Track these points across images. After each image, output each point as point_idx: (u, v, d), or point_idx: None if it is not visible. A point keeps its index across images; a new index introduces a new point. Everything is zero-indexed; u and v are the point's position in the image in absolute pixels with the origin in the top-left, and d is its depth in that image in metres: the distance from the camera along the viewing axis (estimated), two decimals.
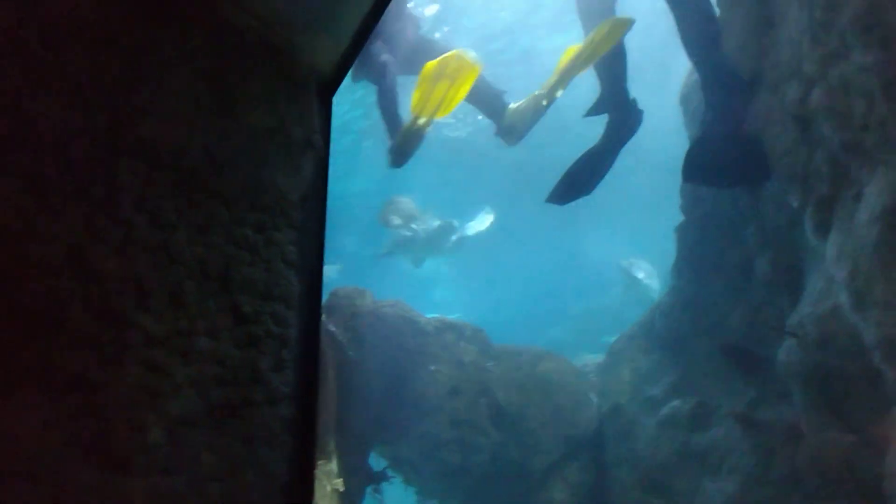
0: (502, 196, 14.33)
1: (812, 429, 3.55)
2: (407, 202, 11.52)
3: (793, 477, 3.94)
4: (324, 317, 6.12)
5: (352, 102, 10.77)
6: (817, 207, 3.29)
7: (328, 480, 4.31)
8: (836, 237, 3.04)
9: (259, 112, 2.02)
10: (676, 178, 6.25)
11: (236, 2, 1.85)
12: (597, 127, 5.85)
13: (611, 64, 5.37)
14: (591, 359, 8.34)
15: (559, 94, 5.74)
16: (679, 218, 6.40)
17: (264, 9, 1.88)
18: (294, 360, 1.93)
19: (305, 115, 2.15)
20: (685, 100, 6.23)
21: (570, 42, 5.69)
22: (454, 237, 13.55)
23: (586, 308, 18.48)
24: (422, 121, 5.25)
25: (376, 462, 6.97)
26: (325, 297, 6.59)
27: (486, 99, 6.48)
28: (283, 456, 1.66)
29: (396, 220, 11.21)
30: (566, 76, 5.50)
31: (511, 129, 6.18)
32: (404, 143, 5.35)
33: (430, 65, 4.85)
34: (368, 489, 6.59)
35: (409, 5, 6.94)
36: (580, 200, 5.81)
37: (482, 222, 14.23)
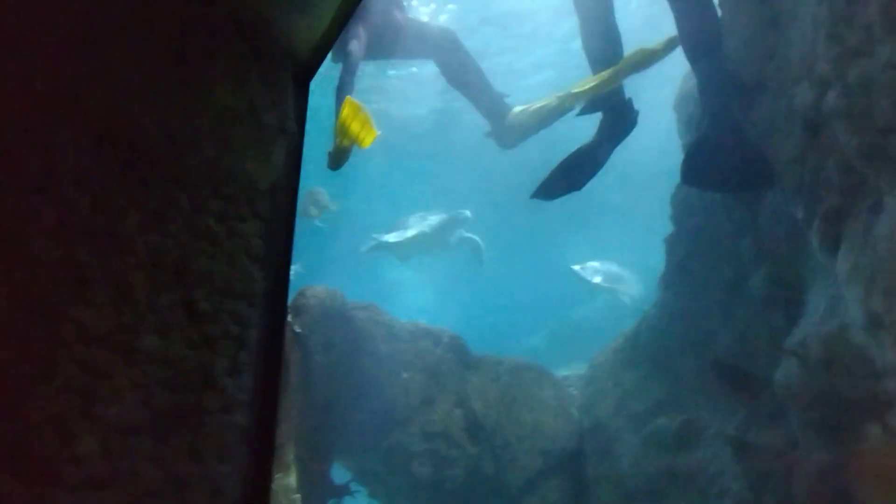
0: (482, 198, 14.35)
1: (809, 454, 3.58)
2: (322, 192, 11.43)
3: None
4: (290, 317, 6.01)
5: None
6: (826, 219, 3.26)
7: (285, 496, 4.22)
8: (847, 252, 3.02)
9: (227, 91, 1.94)
10: (665, 188, 6.34)
11: None
12: (581, 129, 5.87)
13: (607, 61, 5.40)
14: (573, 370, 8.37)
15: (574, 103, 5.65)
16: (667, 228, 6.46)
17: None
18: (254, 364, 1.85)
19: (279, 98, 2.07)
20: (679, 107, 6.29)
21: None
22: (457, 234, 13.34)
23: (568, 317, 18.65)
24: (346, 144, 5.24)
25: (339, 474, 6.88)
26: (292, 296, 6.52)
27: (485, 97, 6.35)
28: (235, 470, 1.58)
29: (314, 211, 11.15)
30: (595, 89, 5.42)
31: (511, 130, 6.11)
32: (338, 156, 5.33)
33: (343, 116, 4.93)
34: None
35: None
36: (567, 207, 5.81)
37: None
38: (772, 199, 4.57)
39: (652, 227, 7.04)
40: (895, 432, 3.03)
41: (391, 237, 13.35)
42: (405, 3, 7.17)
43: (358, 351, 6.81)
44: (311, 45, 2.04)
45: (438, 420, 6.93)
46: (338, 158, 5.28)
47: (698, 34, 4.65)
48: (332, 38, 2.04)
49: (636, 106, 5.63)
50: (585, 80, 5.51)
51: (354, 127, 4.96)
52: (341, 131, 4.98)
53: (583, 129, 5.84)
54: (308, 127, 2.13)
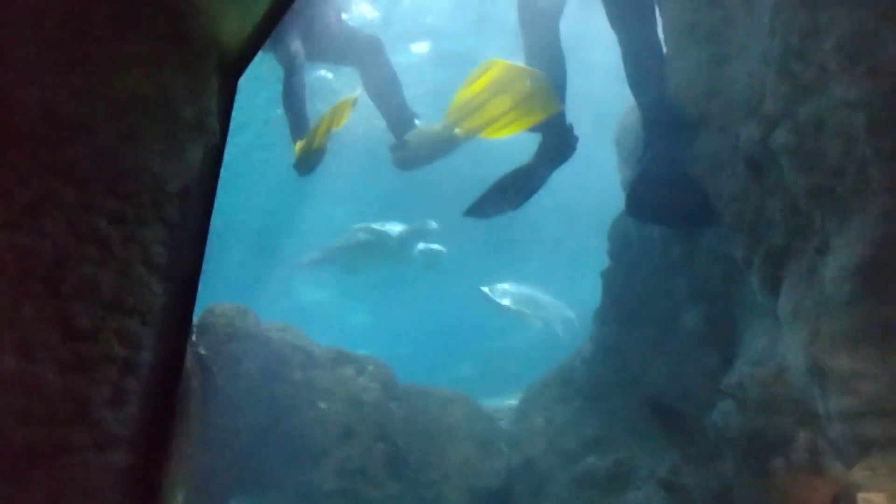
0: (411, 215, 14.27)
1: (744, 499, 3.68)
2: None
3: None
4: (194, 337, 5.65)
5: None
6: (767, 259, 3.38)
7: None
8: (790, 293, 3.13)
9: (135, 76, 1.77)
10: (602, 223, 6.56)
11: None
12: (517, 149, 5.98)
13: (549, 81, 5.55)
14: (505, 401, 8.36)
15: (472, 133, 5.76)
16: (602, 263, 6.67)
17: None
18: (143, 392, 1.66)
19: (199, 91, 1.92)
20: (620, 141, 6.56)
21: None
22: (420, 246, 13.07)
23: (500, 345, 18.86)
24: (319, 140, 5.22)
25: None
26: (199, 314, 6.15)
27: (394, 112, 6.42)
28: None
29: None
30: (487, 113, 5.46)
31: (410, 154, 6.19)
32: (308, 157, 5.25)
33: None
34: None
35: None
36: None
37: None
38: (708, 238, 4.79)
39: (590, 261, 7.24)
40: (798, 466, 3.19)
41: (335, 243, 13.05)
42: (343, 9, 7.17)
43: (270, 377, 6.48)
44: (242, 37, 1.91)
45: (357, 455, 6.69)
46: (306, 161, 5.17)
47: (643, 69, 4.87)
48: (265, 31, 1.94)
49: (575, 133, 5.80)
50: (472, 120, 5.63)
51: (498, 104, 4.82)
52: (471, 102, 4.88)
53: (522, 147, 5.95)
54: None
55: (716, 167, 4.20)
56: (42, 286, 1.37)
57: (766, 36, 3.29)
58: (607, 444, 6.00)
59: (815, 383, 2.83)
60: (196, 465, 5.06)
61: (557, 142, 5.56)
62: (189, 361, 5.44)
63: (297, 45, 5.71)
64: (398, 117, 6.43)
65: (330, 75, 11.05)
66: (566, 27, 5.75)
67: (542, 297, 13.49)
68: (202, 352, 5.61)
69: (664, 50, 4.91)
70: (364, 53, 6.59)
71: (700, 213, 4.51)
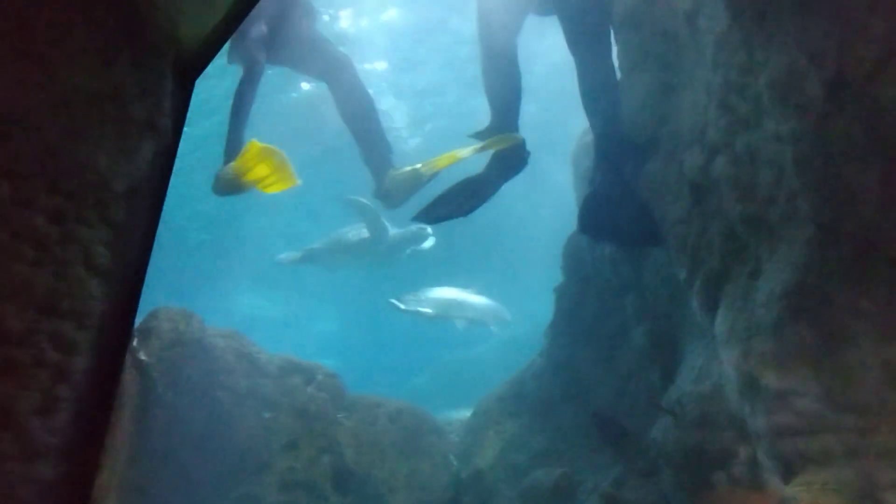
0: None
1: None
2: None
3: None
4: (135, 342, 5.44)
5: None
6: (706, 282, 3.55)
7: None
8: (725, 314, 3.29)
9: (84, 68, 1.72)
10: (557, 239, 6.70)
11: None
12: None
13: (505, 97, 5.67)
14: (457, 415, 8.36)
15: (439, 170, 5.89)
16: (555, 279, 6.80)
17: None
18: (75, 400, 1.59)
19: (152, 89, 1.88)
20: (576, 160, 6.74)
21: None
22: (411, 250, 12.66)
23: (456, 356, 18.87)
24: (244, 184, 5.05)
25: None
26: (141, 318, 5.92)
27: (375, 150, 6.21)
28: None
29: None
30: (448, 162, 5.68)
31: (388, 195, 6.16)
32: (228, 187, 5.04)
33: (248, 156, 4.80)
34: None
35: None
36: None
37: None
38: (656, 258, 4.97)
39: (544, 277, 7.36)
40: (738, 480, 3.32)
41: (317, 245, 12.64)
42: (316, 17, 7.06)
43: (213, 386, 6.29)
44: (200, 36, 1.88)
45: (301, 468, 6.54)
46: (226, 188, 4.94)
47: (597, 92, 5.04)
48: (225, 32, 1.91)
49: (527, 148, 5.93)
50: (438, 158, 5.77)
51: (260, 170, 4.73)
52: (241, 170, 4.73)
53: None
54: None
55: (664, 190, 4.37)
56: None
57: (709, 70, 3.46)
58: (555, 457, 6.08)
59: (746, 401, 2.98)
60: (131, 477, 4.85)
61: (509, 156, 5.68)
62: (129, 368, 5.23)
63: (259, 51, 5.56)
64: (378, 156, 6.18)
65: None
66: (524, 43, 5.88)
67: (470, 299, 13.30)
68: (143, 358, 5.40)
69: (618, 76, 5.10)
70: (332, 70, 6.44)
71: (648, 234, 4.67)
